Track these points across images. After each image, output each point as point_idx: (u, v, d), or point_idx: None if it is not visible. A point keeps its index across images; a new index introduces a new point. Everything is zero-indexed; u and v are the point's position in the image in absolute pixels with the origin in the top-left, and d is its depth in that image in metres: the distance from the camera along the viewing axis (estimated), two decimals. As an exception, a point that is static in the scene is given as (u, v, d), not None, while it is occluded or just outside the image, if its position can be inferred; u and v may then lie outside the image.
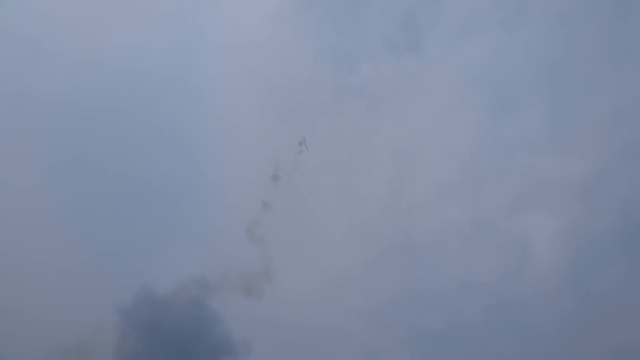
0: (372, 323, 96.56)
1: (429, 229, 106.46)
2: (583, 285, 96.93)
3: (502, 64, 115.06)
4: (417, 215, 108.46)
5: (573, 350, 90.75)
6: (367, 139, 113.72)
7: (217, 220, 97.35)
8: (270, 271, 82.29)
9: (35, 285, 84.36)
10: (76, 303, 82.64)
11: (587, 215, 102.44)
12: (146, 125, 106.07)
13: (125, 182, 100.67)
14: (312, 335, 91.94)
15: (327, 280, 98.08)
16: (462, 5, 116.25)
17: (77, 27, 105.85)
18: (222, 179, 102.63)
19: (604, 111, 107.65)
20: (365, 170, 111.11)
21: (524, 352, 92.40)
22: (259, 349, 79.31)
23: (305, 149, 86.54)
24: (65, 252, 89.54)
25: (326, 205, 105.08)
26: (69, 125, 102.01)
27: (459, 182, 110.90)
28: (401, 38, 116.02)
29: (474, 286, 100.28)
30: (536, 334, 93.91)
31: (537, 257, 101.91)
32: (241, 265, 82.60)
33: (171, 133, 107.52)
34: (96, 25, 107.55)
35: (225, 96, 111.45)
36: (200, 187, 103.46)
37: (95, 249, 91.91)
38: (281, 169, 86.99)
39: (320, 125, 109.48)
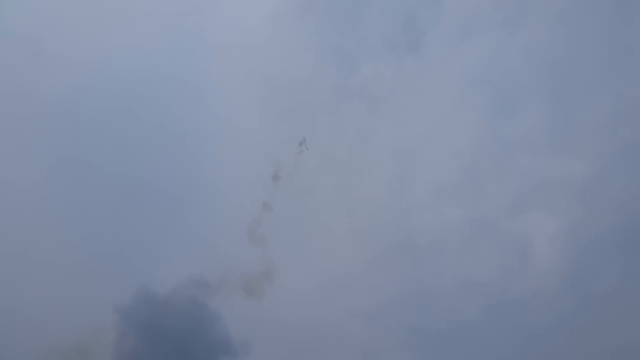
0: (371, 323, 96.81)
1: (429, 229, 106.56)
2: (582, 285, 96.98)
3: (502, 64, 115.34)
4: (416, 215, 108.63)
5: (572, 351, 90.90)
6: (367, 139, 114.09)
7: (217, 220, 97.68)
8: (271, 272, 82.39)
9: (34, 284, 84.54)
10: (75, 302, 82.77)
11: (587, 215, 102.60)
12: (146, 124, 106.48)
13: (125, 181, 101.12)
14: (311, 335, 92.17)
15: (327, 280, 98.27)
16: (462, 5, 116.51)
17: (77, 27, 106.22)
18: (221, 178, 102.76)
19: (604, 112, 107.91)
20: (365, 170, 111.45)
21: (523, 352, 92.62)
22: (258, 349, 79.39)
23: (305, 149, 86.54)
24: (64, 251, 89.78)
25: (326, 205, 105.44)
26: (68, 124, 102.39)
27: (459, 182, 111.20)
28: (401, 38, 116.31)
29: (473, 286, 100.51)
30: (535, 334, 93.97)
31: (536, 258, 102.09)
32: (241, 266, 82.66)
33: (171, 132, 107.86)
34: (96, 25, 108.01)
35: (226, 96, 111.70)
36: (200, 187, 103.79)
37: (94, 248, 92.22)
38: (281, 169, 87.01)
39: (320, 125, 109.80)
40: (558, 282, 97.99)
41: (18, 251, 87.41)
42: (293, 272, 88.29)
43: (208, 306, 79.35)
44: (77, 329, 74.37)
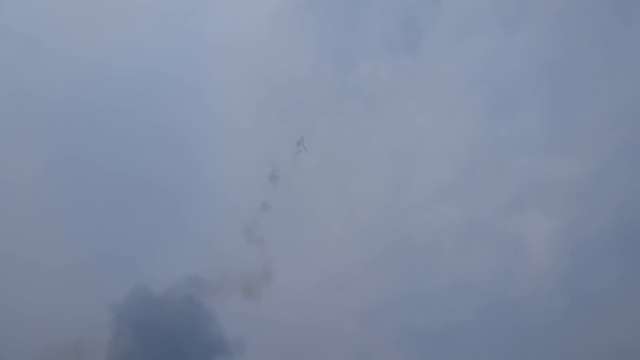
0: (367, 323, 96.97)
1: (426, 229, 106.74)
2: (578, 286, 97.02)
3: (501, 64, 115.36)
4: (413, 215, 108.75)
5: (568, 351, 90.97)
6: (365, 138, 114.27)
7: (214, 219, 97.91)
8: (269, 273, 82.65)
9: (30, 282, 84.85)
10: (70, 301, 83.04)
11: (583, 216, 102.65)
12: (144, 123, 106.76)
13: (121, 179, 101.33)
14: (306, 334, 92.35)
15: (323, 280, 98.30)
16: (461, 5, 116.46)
17: (75, 26, 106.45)
18: (219, 177, 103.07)
19: (601, 113, 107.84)
20: (363, 170, 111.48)
21: (519, 352, 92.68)
22: (253, 348, 79.75)
23: (303, 149, 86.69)
24: (60, 249, 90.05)
25: (323, 205, 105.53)
26: (65, 123, 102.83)
27: (456, 183, 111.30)
28: (400, 38, 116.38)
29: (469, 286, 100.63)
30: (531, 335, 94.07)
31: (532, 258, 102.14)
32: (239, 266, 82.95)
33: (169, 131, 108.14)
34: (94, 24, 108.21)
35: (224, 95, 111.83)
36: (198, 186, 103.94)
37: (90, 246, 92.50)
38: (279, 169, 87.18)
39: (319, 125, 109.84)
40: (554, 282, 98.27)
41: (13, 249, 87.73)
42: (289, 271, 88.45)
43: (203, 305, 79.66)
44: (72, 328, 74.70)
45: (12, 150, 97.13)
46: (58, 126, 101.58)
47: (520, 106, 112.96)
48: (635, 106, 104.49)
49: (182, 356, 75.58)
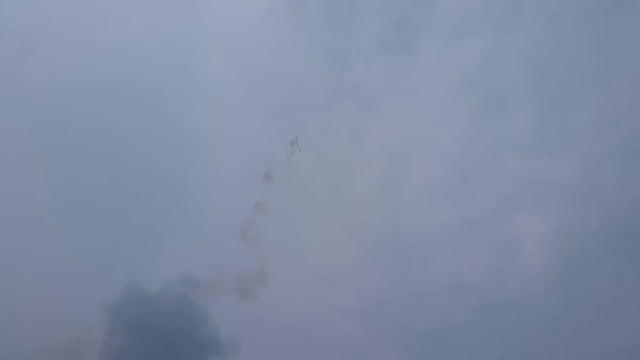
0: (361, 323, 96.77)
1: (420, 230, 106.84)
2: (571, 287, 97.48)
3: (495, 66, 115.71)
4: (407, 215, 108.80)
5: (561, 352, 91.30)
6: (359, 138, 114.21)
7: (208, 218, 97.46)
8: (265, 274, 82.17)
9: (22, 280, 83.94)
10: (63, 299, 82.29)
11: (576, 217, 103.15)
12: (138, 121, 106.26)
13: (115, 177, 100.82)
14: (301, 334, 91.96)
15: (317, 280, 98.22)
16: (455, 6, 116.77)
17: (70, 22, 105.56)
18: (213, 176, 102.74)
19: (595, 114, 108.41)
20: (357, 170, 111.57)
21: (512, 353, 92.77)
22: (247, 348, 79.20)
23: (297, 150, 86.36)
24: (53, 246, 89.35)
25: (317, 205, 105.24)
26: (60, 119, 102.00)
27: (450, 183, 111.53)
28: (394, 38, 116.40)
29: (463, 287, 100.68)
30: (524, 335, 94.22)
31: (526, 259, 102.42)
32: (233, 265, 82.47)
33: (163, 128, 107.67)
34: (88, 20, 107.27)
35: (218, 93, 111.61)
36: (192, 184, 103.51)
37: (84, 244, 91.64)
38: (274, 168, 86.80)
39: (313, 125, 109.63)
40: (547, 283, 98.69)
41: (5, 246, 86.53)
42: (284, 271, 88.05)
43: (198, 305, 79.05)
44: (65, 327, 73.89)
45: (5, 147, 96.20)
46: (52, 123, 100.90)
47: (513, 107, 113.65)
48: (628, 108, 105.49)
49: (176, 355, 74.89)
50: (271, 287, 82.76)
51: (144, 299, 77.00)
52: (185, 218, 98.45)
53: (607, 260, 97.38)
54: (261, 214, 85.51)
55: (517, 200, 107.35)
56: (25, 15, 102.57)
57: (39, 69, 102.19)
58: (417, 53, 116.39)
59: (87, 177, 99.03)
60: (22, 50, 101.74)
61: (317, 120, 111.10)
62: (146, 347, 74.01)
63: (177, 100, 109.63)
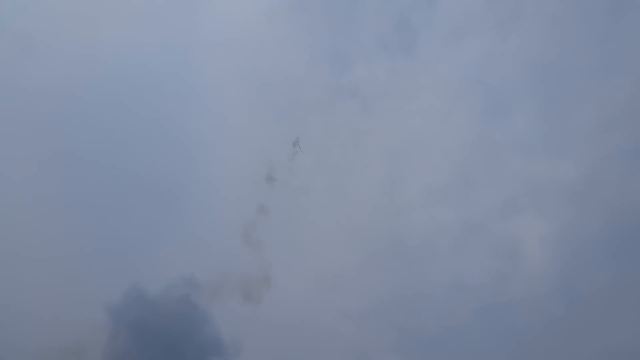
0: (362, 324, 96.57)
1: (420, 231, 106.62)
2: (573, 288, 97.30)
3: (496, 67, 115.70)
4: (409, 216, 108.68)
5: (563, 354, 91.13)
6: (360, 139, 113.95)
7: (210, 220, 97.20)
8: (269, 277, 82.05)
9: (23, 281, 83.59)
10: (65, 300, 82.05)
11: (578, 219, 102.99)
12: (139, 121, 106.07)
13: (116, 178, 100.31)
14: (302, 335, 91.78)
15: (318, 281, 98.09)
16: (456, 7, 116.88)
17: (70, 22, 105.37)
18: (215, 177, 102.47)
19: (596, 116, 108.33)
20: (358, 170, 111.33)
21: (514, 355, 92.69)
22: (248, 349, 78.99)
23: (299, 151, 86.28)
24: (54, 248, 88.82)
25: (318, 205, 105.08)
26: (60, 120, 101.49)
27: (451, 184, 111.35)
28: (395, 39, 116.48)
29: (464, 288, 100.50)
30: (526, 337, 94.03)
31: (527, 261, 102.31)
32: (235, 267, 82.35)
33: (164, 129, 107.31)
34: (89, 20, 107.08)
35: (218, 93, 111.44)
36: (193, 185, 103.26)
37: (85, 245, 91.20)
38: (275, 170, 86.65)
39: (314, 125, 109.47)
40: (549, 285, 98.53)
41: (6, 248, 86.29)
42: (285, 272, 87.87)
43: (199, 306, 78.86)
44: (66, 328, 73.67)
45: (5, 147, 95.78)
46: (52, 123, 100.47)
47: (515, 108, 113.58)
48: (630, 109, 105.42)
49: (177, 357, 74.65)
50: (272, 288, 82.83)
51: (145, 301, 76.85)
52: (187, 220, 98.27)
53: (609, 261, 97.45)
54: (263, 216, 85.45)
55: (519, 202, 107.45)
56: (25, 16, 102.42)
57: (40, 69, 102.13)
58: (418, 54, 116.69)
59: (89, 178, 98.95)
60: (23, 51, 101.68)
61: (318, 120, 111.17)
62: (148, 349, 73.78)
63: (179, 100, 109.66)
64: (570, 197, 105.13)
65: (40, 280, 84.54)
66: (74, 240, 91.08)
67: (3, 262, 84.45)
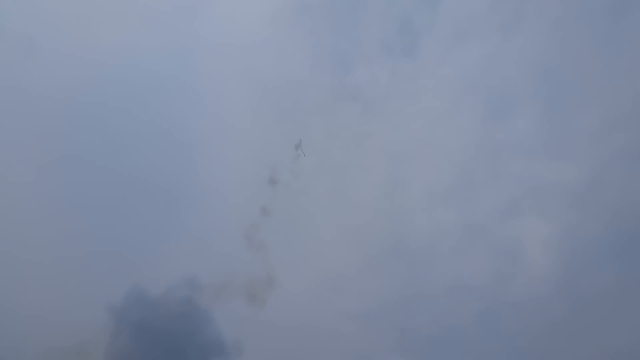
0: (363, 325, 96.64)
1: (422, 233, 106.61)
2: (575, 290, 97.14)
3: (498, 69, 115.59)
4: (410, 218, 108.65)
5: (565, 355, 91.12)
6: (362, 141, 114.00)
7: (212, 221, 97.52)
8: (273, 279, 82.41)
9: (26, 282, 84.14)
10: (67, 301, 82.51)
11: (580, 221, 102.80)
12: (141, 123, 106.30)
13: (119, 179, 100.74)
14: (303, 336, 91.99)
15: (319, 282, 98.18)
16: (458, 10, 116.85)
17: (72, 24, 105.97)
18: (217, 179, 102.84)
19: (598, 118, 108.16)
20: (360, 172, 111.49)
21: (515, 356, 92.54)
22: (250, 350, 79.46)
23: (302, 154, 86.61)
24: (56, 249, 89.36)
25: (319, 207, 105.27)
26: (62, 121, 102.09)
27: (452, 186, 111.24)
28: (397, 42, 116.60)
29: (465, 290, 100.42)
30: (527, 339, 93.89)
31: (529, 262, 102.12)
32: (237, 269, 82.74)
33: (166, 131, 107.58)
34: (91, 23, 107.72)
35: (221, 96, 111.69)
36: (195, 187, 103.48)
37: (88, 247, 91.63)
38: (278, 172, 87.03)
39: (316, 127, 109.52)
40: (550, 286, 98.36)
41: (9, 249, 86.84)
42: (286, 273, 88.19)
43: (201, 307, 79.29)
44: (69, 329, 74.24)
45: (8, 149, 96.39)
46: (54, 125, 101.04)
47: (517, 110, 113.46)
48: (632, 111, 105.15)
49: (179, 357, 75.24)
50: (276, 290, 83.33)
51: (147, 302, 77.40)
52: (189, 221, 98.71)
53: (611, 263, 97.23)
54: (266, 218, 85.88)
55: (521, 204, 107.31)
56: (28, 18, 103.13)
57: (42, 71, 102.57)
58: (420, 56, 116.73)
59: (92, 181, 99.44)
60: (25, 53, 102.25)
61: (320, 122, 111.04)
62: (149, 349, 74.37)
63: (181, 103, 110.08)
64: (572, 199, 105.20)
65: (43, 281, 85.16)
66: (77, 242, 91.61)
67: (6, 263, 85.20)
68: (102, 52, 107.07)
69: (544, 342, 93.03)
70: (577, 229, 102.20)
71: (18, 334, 77.59)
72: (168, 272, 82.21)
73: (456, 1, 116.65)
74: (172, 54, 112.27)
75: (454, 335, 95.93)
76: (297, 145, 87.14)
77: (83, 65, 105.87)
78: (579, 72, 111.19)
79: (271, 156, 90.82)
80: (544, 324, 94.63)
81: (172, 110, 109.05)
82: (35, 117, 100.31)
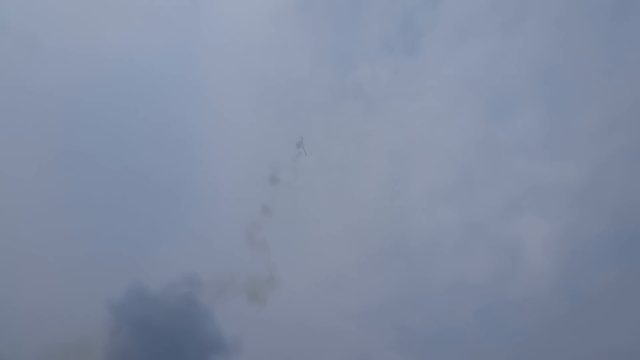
0: (363, 324, 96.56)
1: (423, 231, 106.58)
2: (575, 289, 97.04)
3: (499, 68, 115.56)
4: (410, 217, 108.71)
5: (564, 354, 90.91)
6: (363, 140, 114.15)
7: (212, 218, 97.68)
8: (274, 278, 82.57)
9: (25, 279, 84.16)
10: (67, 298, 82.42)
11: (580, 220, 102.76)
12: (143, 121, 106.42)
13: (119, 177, 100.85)
14: (303, 334, 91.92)
15: (320, 280, 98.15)
16: (460, 8, 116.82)
17: (74, 23, 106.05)
18: (217, 177, 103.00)
19: (599, 117, 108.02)
20: (361, 171, 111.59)
21: (515, 355, 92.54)
22: (249, 347, 79.58)
23: (303, 153, 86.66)
24: (56, 246, 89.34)
25: (320, 205, 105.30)
26: (64, 119, 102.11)
27: (453, 185, 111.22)
28: (399, 40, 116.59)
29: (466, 289, 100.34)
30: (527, 338, 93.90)
31: (529, 261, 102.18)
32: (236, 266, 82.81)
33: (167, 129, 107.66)
34: (93, 21, 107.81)
35: (222, 94, 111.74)
36: (195, 184, 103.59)
37: (88, 244, 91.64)
38: (279, 171, 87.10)
39: (317, 126, 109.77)
40: (551, 285, 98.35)
41: (9, 246, 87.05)
42: (286, 271, 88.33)
43: (200, 304, 79.40)
44: (69, 326, 74.38)
45: (9, 147, 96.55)
46: (56, 123, 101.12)
47: (518, 109, 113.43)
48: (633, 111, 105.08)
49: (178, 354, 75.45)
50: (277, 289, 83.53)
51: (147, 299, 77.55)
52: (189, 219, 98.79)
53: (611, 263, 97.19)
54: (267, 217, 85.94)
55: (521, 203, 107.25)
56: (29, 16, 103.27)
57: (44, 69, 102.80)
58: (421, 55, 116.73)
59: (93, 178, 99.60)
60: (26, 51, 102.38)
61: (322, 121, 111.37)
62: (149, 346, 74.51)
63: (183, 101, 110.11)
64: (572, 198, 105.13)
65: (43, 278, 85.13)
66: (77, 239, 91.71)
67: (6, 260, 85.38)
68: (103, 49, 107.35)
69: (544, 341, 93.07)
70: (578, 229, 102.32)
71: (18, 331, 77.73)
72: (168, 269, 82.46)
73: (458, 0, 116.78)
74: (173, 53, 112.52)
75: (453, 334, 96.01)
76: (299, 144, 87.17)
77: (84, 62, 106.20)
78: (580, 71, 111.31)
79: (272, 154, 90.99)
80: (543, 323, 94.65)
81: (173, 108, 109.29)
82: (36, 114, 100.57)
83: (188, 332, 77.15)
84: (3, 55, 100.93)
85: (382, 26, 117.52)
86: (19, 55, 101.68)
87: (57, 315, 79.12)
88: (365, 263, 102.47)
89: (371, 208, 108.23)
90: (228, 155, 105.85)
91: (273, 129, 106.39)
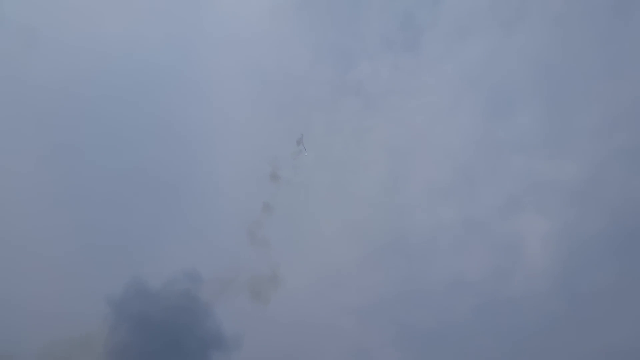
0: (363, 320, 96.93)
1: (422, 228, 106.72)
2: (574, 287, 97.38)
3: (499, 65, 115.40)
4: (410, 214, 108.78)
5: (563, 352, 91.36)
6: (362, 136, 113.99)
7: (211, 215, 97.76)
8: (276, 275, 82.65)
9: (25, 275, 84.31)
10: (67, 294, 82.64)
11: (579, 218, 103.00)
12: (142, 116, 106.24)
13: (119, 172, 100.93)
14: (303, 331, 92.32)
15: (319, 277, 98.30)
16: (460, 6, 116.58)
17: (73, 16, 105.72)
18: (217, 173, 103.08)
19: (599, 115, 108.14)
20: (360, 168, 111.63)
21: (514, 352, 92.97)
22: (249, 344, 79.66)
23: (303, 150, 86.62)
24: (56, 242, 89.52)
25: (319, 202, 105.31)
26: (63, 114, 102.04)
27: (453, 183, 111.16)
28: (399, 37, 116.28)
29: (465, 286, 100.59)
30: (526, 335, 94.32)
31: (528, 259, 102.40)
32: (237, 262, 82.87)
33: (167, 125, 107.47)
34: (93, 15, 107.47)
35: (222, 90, 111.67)
36: (195, 180, 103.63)
37: (87, 240, 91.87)
38: (279, 167, 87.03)
39: (316, 122, 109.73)
40: (549, 283, 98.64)
41: (8, 242, 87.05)
42: (286, 268, 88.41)
43: (200, 300, 79.43)
44: (69, 322, 74.41)
45: (8, 141, 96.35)
46: (55, 117, 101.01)
47: (518, 107, 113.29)
48: (633, 109, 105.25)
49: (178, 351, 75.38)
50: (280, 286, 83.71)
51: (147, 294, 77.52)
52: (189, 215, 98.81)
53: (610, 260, 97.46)
54: (268, 214, 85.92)
55: (521, 200, 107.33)
56: (29, 10, 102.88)
57: (43, 63, 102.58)
58: (422, 52, 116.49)
59: (93, 173, 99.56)
60: (26, 45, 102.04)
61: (321, 118, 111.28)
62: (149, 342, 74.49)
63: (182, 97, 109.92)
64: (572, 196, 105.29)
65: (43, 274, 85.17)
66: (77, 234, 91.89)
67: (5, 257, 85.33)
68: (102, 43, 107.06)
69: (543, 338, 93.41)
70: (577, 226, 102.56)
71: (18, 327, 77.73)
72: (168, 265, 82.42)
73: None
74: (173, 47, 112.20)
75: (452, 331, 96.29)
76: (299, 141, 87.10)
77: (83, 57, 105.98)
78: (580, 69, 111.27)
79: (272, 151, 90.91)
80: (542, 320, 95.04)
81: (172, 103, 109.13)
82: (35, 108, 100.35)
83: (188, 328, 77.16)
84: (2, 48, 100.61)
85: (382, 23, 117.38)
86: (18, 49, 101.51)
87: (57, 311, 79.27)
88: (365, 260, 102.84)
89: (371, 205, 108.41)
90: (228, 151, 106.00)
91: (273, 125, 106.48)
